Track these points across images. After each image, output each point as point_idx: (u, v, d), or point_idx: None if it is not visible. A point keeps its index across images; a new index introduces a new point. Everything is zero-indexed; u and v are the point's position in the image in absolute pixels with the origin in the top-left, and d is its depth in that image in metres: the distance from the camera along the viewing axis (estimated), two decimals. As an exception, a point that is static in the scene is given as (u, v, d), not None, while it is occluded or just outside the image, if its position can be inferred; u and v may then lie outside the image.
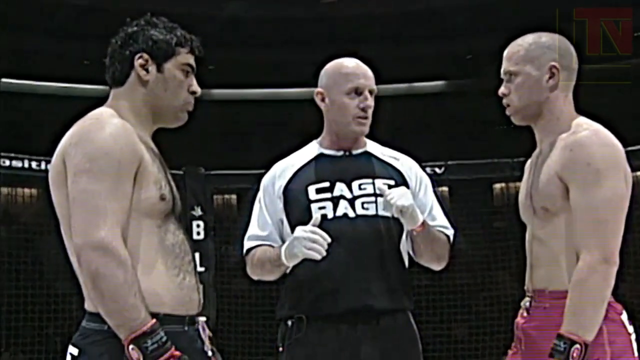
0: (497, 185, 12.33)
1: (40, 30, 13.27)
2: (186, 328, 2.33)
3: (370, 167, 3.08)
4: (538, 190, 2.61)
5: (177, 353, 2.20)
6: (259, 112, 15.38)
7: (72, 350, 2.29)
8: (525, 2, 12.17)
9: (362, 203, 3.00)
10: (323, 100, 3.11)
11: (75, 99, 12.63)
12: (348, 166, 3.08)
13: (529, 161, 2.80)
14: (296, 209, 3.03)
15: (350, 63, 3.11)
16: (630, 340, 2.54)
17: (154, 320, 2.19)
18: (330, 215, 2.98)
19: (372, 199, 3.01)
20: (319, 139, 3.17)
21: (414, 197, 3.00)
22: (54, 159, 2.34)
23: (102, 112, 2.38)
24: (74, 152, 2.26)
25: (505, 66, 2.69)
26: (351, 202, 3.00)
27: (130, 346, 2.16)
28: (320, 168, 3.08)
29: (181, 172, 6.30)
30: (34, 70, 14.53)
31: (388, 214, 2.97)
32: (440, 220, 3.10)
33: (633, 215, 2.66)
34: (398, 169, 3.10)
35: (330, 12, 13.51)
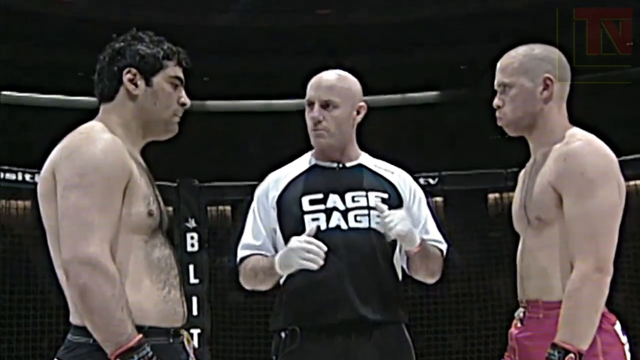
0: (492, 196, 12.33)
1: (34, 42, 13.27)
2: (171, 340, 2.35)
3: (364, 180, 3.08)
4: (532, 200, 2.61)
5: None
6: (253, 124, 15.38)
7: None
8: (521, 12, 12.20)
9: (355, 216, 3.00)
10: None
11: (69, 111, 12.61)
12: (341, 178, 3.07)
13: (522, 171, 2.80)
14: (290, 219, 3.03)
15: (320, 74, 3.13)
16: (624, 351, 2.54)
17: (140, 336, 2.21)
18: (323, 227, 2.98)
19: (365, 211, 3.01)
20: (312, 150, 3.18)
21: (408, 210, 3.02)
22: (43, 172, 2.36)
23: (92, 126, 2.39)
24: (64, 166, 2.28)
25: (499, 78, 2.69)
26: (344, 214, 3.00)
27: None
28: (313, 179, 3.08)
29: (175, 184, 6.28)
30: (28, 82, 14.52)
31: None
32: (433, 234, 3.11)
33: (626, 224, 2.66)
34: (391, 182, 3.10)
35: (324, 23, 13.53)
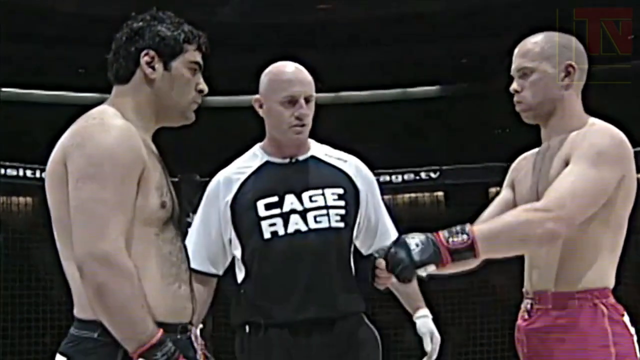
0: (493, 190, 12.32)
1: (34, 38, 13.26)
2: (179, 336, 2.27)
3: (319, 175, 3.03)
4: (548, 184, 2.57)
5: None
6: (252, 119, 15.39)
7: (60, 358, 2.21)
8: (521, 6, 12.19)
9: (315, 216, 2.96)
10: (261, 107, 3.08)
11: (70, 107, 12.60)
12: (296, 175, 3.03)
13: (524, 159, 2.79)
14: (246, 226, 2.99)
15: (286, 69, 3.06)
16: (633, 342, 2.52)
17: (161, 332, 2.14)
18: (281, 232, 2.95)
19: (324, 211, 2.97)
20: (262, 143, 3.13)
21: (364, 202, 3.04)
22: (52, 157, 2.25)
23: (105, 110, 2.29)
24: (76, 155, 2.17)
25: (519, 62, 2.66)
26: (302, 214, 2.96)
27: (140, 359, 2.12)
28: (267, 179, 3.02)
29: (176, 179, 6.29)
30: (28, 79, 14.52)
31: (340, 225, 2.97)
32: (390, 231, 3.10)
33: (636, 217, 2.66)
34: (345, 172, 3.06)
35: (324, 17, 13.52)
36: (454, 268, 2.47)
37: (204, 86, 2.40)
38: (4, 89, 14.50)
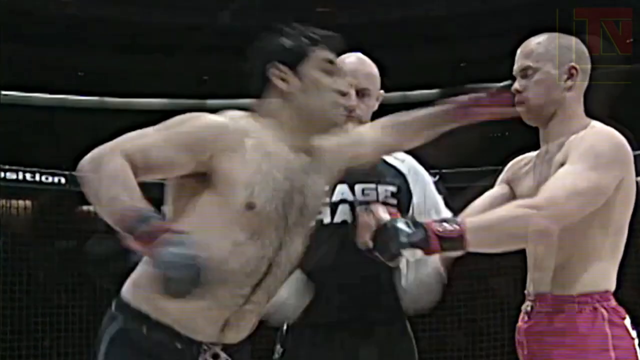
0: (492, 193, 12.31)
1: (33, 41, 13.26)
2: (179, 346, 2.24)
3: (374, 170, 2.97)
4: None
5: None
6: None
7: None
8: (521, 8, 12.20)
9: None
10: None
11: (69, 111, 12.61)
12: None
13: (523, 160, 2.78)
14: None
15: (346, 59, 3.03)
16: (634, 345, 2.50)
17: None
18: (326, 221, 2.90)
19: None
20: None
21: (417, 202, 3.00)
22: None
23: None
24: None
25: (522, 62, 2.64)
26: (352, 206, 2.92)
27: None
28: None
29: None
30: (27, 82, 14.52)
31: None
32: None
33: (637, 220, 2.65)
34: (401, 171, 3.04)
35: (324, 20, 13.53)
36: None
37: (339, 85, 2.34)
38: (4, 92, 14.51)
